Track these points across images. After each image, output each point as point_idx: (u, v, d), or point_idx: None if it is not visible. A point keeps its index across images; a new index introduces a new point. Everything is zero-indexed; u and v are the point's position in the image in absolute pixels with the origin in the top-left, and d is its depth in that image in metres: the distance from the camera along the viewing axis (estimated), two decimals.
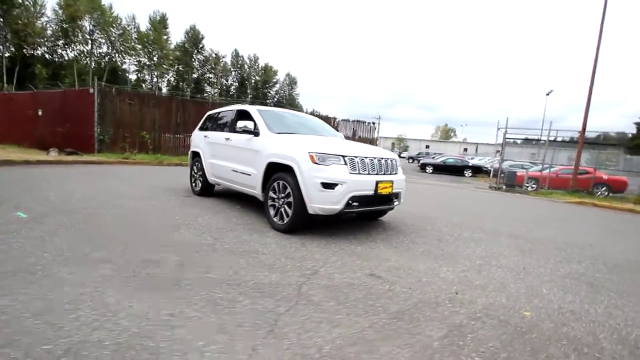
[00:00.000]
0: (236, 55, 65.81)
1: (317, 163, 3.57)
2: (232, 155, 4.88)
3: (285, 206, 3.82)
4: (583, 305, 2.53)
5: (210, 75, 61.82)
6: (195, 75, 59.21)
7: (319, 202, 3.55)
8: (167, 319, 1.89)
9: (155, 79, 53.90)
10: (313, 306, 2.17)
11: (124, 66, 46.09)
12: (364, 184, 3.69)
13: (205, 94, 58.39)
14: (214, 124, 5.80)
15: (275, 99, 69.60)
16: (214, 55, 56.67)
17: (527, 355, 1.82)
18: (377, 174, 3.88)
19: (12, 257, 2.56)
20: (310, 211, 3.63)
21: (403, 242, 3.88)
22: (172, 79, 56.35)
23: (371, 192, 3.75)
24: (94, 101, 11.95)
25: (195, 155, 6.07)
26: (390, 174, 4.09)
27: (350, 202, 3.61)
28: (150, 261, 2.70)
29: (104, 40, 42.21)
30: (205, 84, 61.60)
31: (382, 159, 4.00)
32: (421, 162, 26.46)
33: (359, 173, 3.71)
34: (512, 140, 17.60)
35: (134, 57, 46.89)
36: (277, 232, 3.84)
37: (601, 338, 2.07)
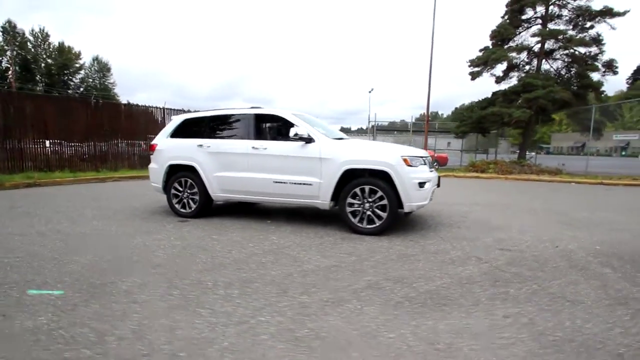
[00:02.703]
0: (11, 27, 47.94)
1: (410, 166, 3.95)
2: (270, 166, 4.43)
3: (376, 209, 4.00)
4: (600, 237, 4.07)
5: None
6: None
7: (416, 200, 3.97)
8: (504, 336, 2.09)
9: None
10: (530, 288, 2.62)
11: None
12: (435, 180, 4.36)
13: None
14: (212, 131, 4.92)
15: (82, 89, 55.38)
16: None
17: None
18: (433, 170, 4.60)
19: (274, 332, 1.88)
20: (407, 209, 3.99)
21: (449, 223, 4.77)
22: None
23: (436, 186, 4.45)
24: None
25: (180, 169, 4.97)
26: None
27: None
28: (370, 287, 2.54)
29: None
30: None
31: (428, 157, 4.72)
32: None
33: (431, 171, 4.34)
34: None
35: None
36: (368, 236, 3.97)
37: None
